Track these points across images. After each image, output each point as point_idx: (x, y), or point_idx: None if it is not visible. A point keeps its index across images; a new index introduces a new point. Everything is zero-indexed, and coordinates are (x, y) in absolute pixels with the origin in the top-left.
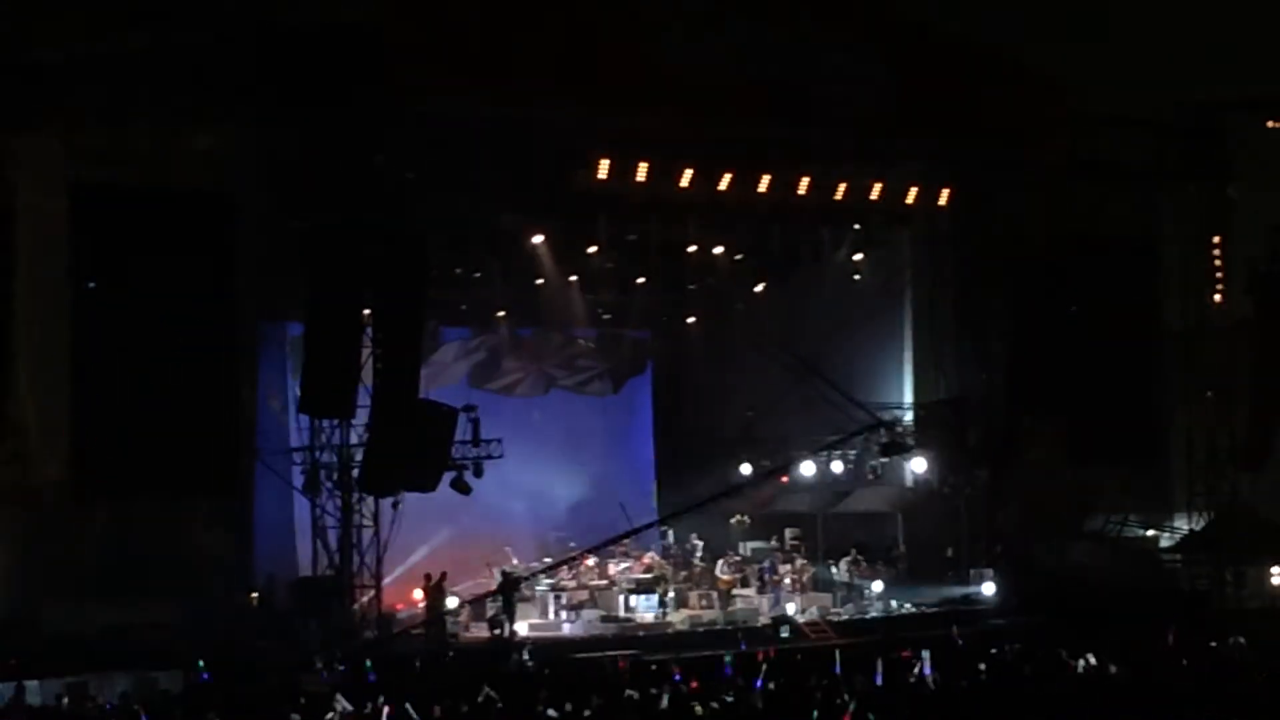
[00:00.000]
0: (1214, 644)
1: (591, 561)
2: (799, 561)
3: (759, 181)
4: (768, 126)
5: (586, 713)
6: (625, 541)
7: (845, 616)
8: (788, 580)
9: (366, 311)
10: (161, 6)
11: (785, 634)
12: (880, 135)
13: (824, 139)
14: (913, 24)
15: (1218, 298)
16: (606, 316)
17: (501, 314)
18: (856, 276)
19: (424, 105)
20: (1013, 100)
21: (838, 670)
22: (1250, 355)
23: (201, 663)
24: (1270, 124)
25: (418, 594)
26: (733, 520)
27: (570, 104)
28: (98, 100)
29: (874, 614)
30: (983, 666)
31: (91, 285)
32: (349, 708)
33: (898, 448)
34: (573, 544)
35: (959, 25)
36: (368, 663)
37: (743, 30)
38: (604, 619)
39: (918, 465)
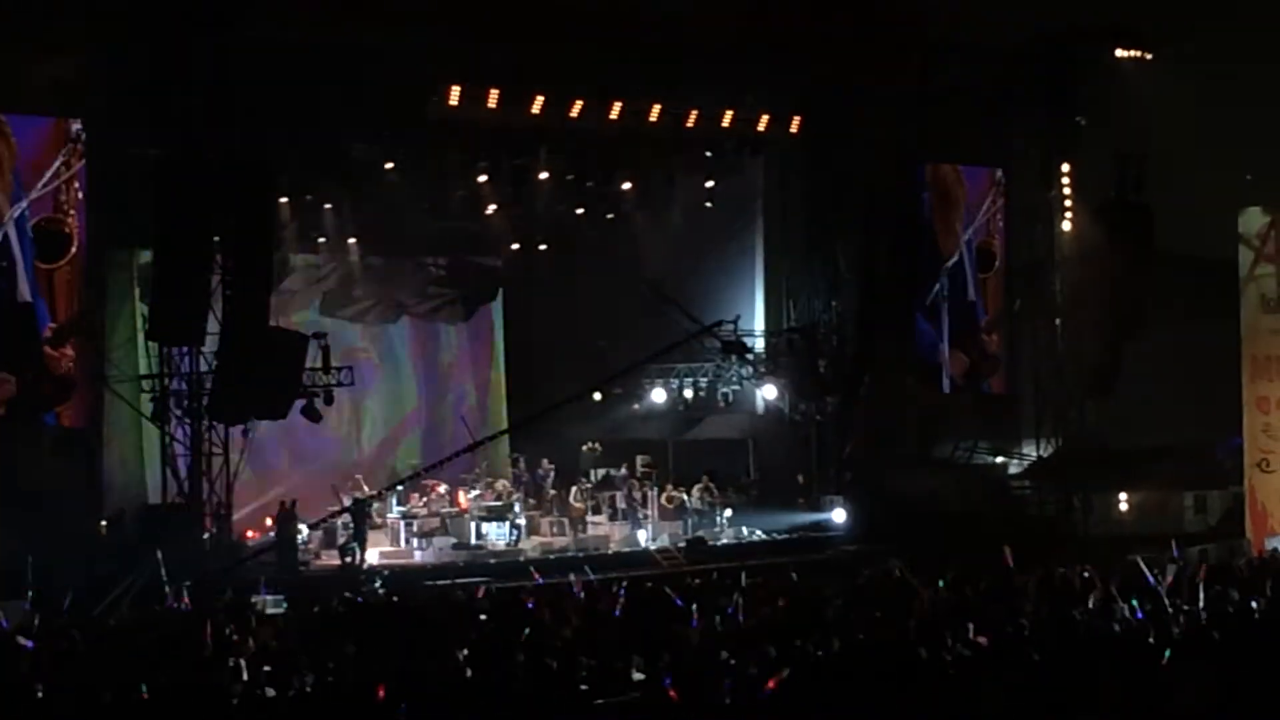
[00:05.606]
0: (1061, 570)
1: (443, 489)
2: (650, 488)
3: (610, 109)
4: (618, 53)
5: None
6: (478, 469)
7: None
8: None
9: (216, 239)
10: None
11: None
12: (731, 62)
13: (675, 66)
14: None
15: (1067, 226)
16: (457, 243)
17: (352, 241)
18: (709, 204)
19: (273, 32)
20: (864, 27)
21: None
22: (1099, 283)
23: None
24: (1119, 53)
25: (270, 522)
26: (584, 447)
27: (419, 31)
28: None
29: (725, 541)
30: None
31: None
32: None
33: (738, 347)
34: (424, 473)
35: None
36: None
37: None
38: (455, 546)
39: (768, 392)
